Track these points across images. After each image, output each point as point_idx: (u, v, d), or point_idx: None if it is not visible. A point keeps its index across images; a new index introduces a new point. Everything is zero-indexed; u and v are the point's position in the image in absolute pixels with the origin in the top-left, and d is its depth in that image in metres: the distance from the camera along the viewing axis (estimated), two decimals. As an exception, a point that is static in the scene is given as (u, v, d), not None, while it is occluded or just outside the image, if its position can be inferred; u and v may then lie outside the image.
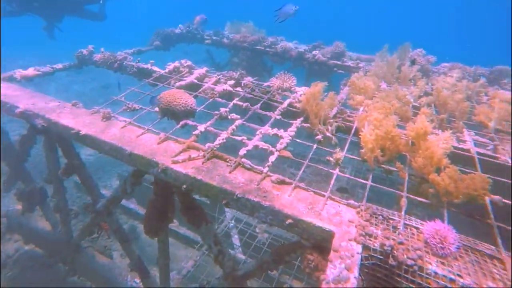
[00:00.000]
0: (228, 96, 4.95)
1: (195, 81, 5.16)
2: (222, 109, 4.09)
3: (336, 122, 4.03)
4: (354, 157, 3.51)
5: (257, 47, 8.48)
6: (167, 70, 5.58)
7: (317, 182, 7.01)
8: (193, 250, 6.54)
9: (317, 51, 7.82)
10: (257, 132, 3.76)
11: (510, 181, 3.09)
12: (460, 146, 3.67)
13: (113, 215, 4.68)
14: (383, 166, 3.32)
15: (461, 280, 2.01)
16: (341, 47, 7.87)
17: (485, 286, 1.95)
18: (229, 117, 4.10)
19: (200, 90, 4.91)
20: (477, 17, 35.62)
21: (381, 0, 38.42)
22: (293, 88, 5.23)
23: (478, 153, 3.53)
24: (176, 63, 5.69)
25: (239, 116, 4.10)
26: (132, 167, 3.76)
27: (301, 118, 4.16)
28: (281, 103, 4.61)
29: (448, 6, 35.84)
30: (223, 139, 3.59)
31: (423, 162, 2.94)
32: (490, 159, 3.41)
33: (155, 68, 5.83)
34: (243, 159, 3.35)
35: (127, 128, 3.87)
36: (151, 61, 5.91)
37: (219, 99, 4.62)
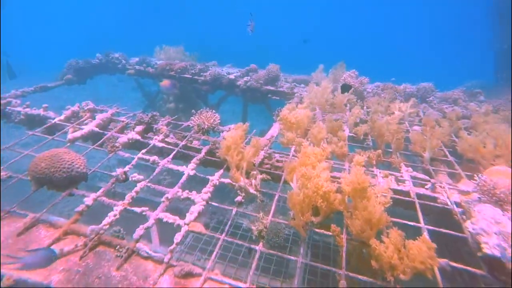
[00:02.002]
0: (139, 144, 4.09)
1: (96, 129, 4.21)
2: (119, 171, 3.21)
3: (262, 174, 3.38)
4: (282, 221, 2.87)
5: (185, 75, 7.73)
6: (63, 117, 4.54)
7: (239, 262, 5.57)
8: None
9: (249, 77, 7.31)
10: (163, 198, 2.96)
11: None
12: (399, 188, 3.24)
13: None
14: (317, 230, 2.73)
15: None
16: (275, 70, 7.46)
17: None
18: (130, 179, 3.23)
19: (100, 141, 3.99)
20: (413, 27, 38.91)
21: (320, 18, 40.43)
22: (216, 128, 4.55)
23: (418, 196, 3.11)
24: (75, 107, 4.68)
25: (142, 177, 3.26)
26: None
27: (221, 172, 3.45)
28: (199, 150, 3.87)
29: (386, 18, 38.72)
30: (114, 216, 2.72)
31: (362, 226, 2.38)
32: (431, 203, 3.00)
33: (50, 114, 4.74)
34: (139, 244, 2.52)
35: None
36: (44, 105, 4.81)
37: (121, 153, 3.73)
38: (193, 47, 10.80)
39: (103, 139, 4.01)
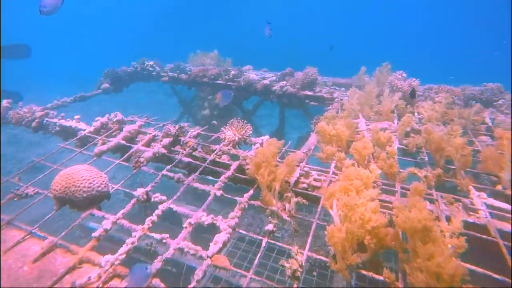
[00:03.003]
0: (166, 159, 3.86)
1: (122, 142, 4.05)
2: (140, 190, 2.96)
3: (297, 196, 2.93)
4: (320, 257, 2.38)
5: (218, 81, 7.51)
6: (93, 129, 4.48)
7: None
8: None
9: (285, 82, 6.86)
10: (185, 224, 2.63)
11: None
12: (471, 221, 2.59)
13: None
14: (363, 271, 2.22)
15: None
16: (313, 73, 6.94)
17: None
18: (153, 199, 2.97)
19: (126, 155, 3.81)
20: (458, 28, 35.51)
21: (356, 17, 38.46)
22: (248, 140, 4.18)
23: (501, 233, 2.44)
24: (105, 118, 4.61)
25: (165, 197, 2.97)
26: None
27: (250, 193, 3.05)
28: (228, 166, 3.52)
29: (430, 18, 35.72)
30: (132, 244, 2.45)
31: (427, 282, 1.83)
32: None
33: (82, 125, 4.72)
34: (155, 281, 2.20)
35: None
36: (77, 116, 4.81)
37: (146, 169, 3.50)
38: (228, 52, 10.62)
39: (128, 153, 3.83)
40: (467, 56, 30.98)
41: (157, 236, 2.51)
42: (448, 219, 2.59)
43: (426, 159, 3.66)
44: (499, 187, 3.17)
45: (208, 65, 9.83)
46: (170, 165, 3.53)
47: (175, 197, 3.00)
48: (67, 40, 38.32)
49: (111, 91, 8.15)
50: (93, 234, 2.55)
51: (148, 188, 3.05)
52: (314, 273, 4.56)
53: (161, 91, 19.76)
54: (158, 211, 2.79)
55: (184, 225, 2.60)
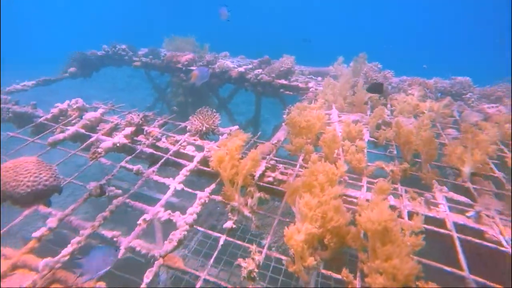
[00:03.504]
0: (129, 149, 3.63)
1: (81, 130, 3.78)
2: (92, 184, 2.75)
3: (261, 191, 2.81)
4: (280, 256, 2.30)
5: (192, 67, 7.21)
6: (50, 116, 4.15)
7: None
8: None
9: (261, 70, 6.67)
10: (139, 221, 2.46)
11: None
12: (431, 215, 2.57)
13: None
14: (322, 271, 2.15)
15: None
16: (289, 62, 6.77)
17: None
18: (107, 193, 2.77)
19: (83, 145, 3.56)
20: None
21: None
22: (216, 130, 4.01)
23: (457, 228, 2.44)
24: (64, 105, 4.28)
25: (120, 191, 2.78)
26: None
27: (212, 186, 2.91)
28: (193, 158, 3.35)
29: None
30: (78, 244, 2.26)
31: (384, 283, 1.77)
32: (475, 240, 2.32)
33: (39, 112, 4.38)
34: (99, 284, 2.05)
35: None
36: (32, 102, 4.45)
37: (104, 160, 3.27)
38: (206, 38, 10.24)
39: (86, 142, 3.58)
40: (455, 48, 31.59)
41: (107, 234, 2.34)
42: (410, 214, 2.57)
43: (395, 152, 3.63)
44: (459, 180, 3.19)
45: (184, 50, 9.45)
46: (130, 156, 3.32)
47: (132, 191, 2.82)
48: (39, 18, 35.98)
49: (79, 76, 7.67)
50: (33, 234, 2.33)
51: (103, 181, 2.84)
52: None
53: (138, 75, 19.01)
54: (111, 206, 2.60)
55: (138, 222, 2.43)
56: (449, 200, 2.75)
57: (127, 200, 2.67)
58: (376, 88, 3.37)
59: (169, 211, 2.58)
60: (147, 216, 2.47)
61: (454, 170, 3.37)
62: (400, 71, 6.90)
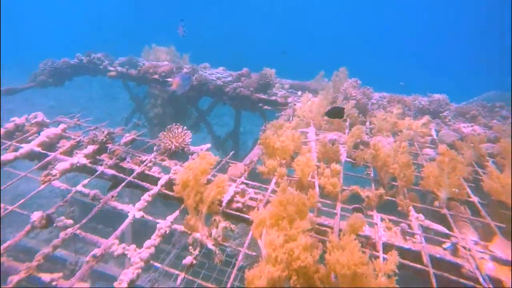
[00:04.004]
0: (88, 171, 3.34)
1: (37, 149, 3.47)
2: (36, 214, 2.45)
3: (228, 218, 2.60)
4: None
5: (169, 79, 6.98)
6: (3, 132, 3.81)
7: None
8: None
9: (239, 83, 6.52)
10: (88, 257, 2.19)
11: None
12: (407, 247, 2.43)
13: None
14: (289, 316, 1.94)
15: None
16: (269, 76, 6.66)
17: None
18: (55, 224, 2.48)
19: (37, 166, 3.25)
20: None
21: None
22: (186, 149, 3.78)
23: (434, 261, 2.30)
24: (22, 119, 3.95)
25: (71, 221, 2.50)
26: None
27: (175, 214, 2.68)
28: (157, 181, 3.11)
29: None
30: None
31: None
32: (452, 277, 2.18)
33: (-6, 126, 4.02)
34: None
35: None
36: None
37: (57, 184, 2.97)
38: (187, 47, 10.06)
39: (41, 162, 3.27)
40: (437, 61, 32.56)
41: (46, 278, 2.04)
42: (385, 246, 2.42)
43: (372, 175, 3.51)
44: (436, 204, 3.09)
45: (163, 60, 9.20)
46: (88, 179, 3.04)
47: (84, 221, 2.54)
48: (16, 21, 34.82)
49: (49, 84, 7.30)
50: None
51: (51, 210, 2.55)
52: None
53: (118, 84, 18.55)
54: (56, 241, 2.31)
55: (87, 259, 2.16)
56: (425, 229, 2.63)
57: (78, 231, 2.39)
58: (336, 113, 3.22)
59: (123, 245, 2.32)
60: (97, 251, 2.20)
61: (431, 195, 3.27)
62: (382, 86, 6.92)
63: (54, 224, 2.42)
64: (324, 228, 2.65)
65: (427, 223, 2.68)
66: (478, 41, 34.52)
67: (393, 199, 3.09)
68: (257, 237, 2.20)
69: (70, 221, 2.45)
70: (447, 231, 2.60)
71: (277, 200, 2.28)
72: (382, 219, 2.71)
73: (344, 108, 3.22)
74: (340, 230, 2.54)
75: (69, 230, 2.36)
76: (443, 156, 3.21)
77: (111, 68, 7.77)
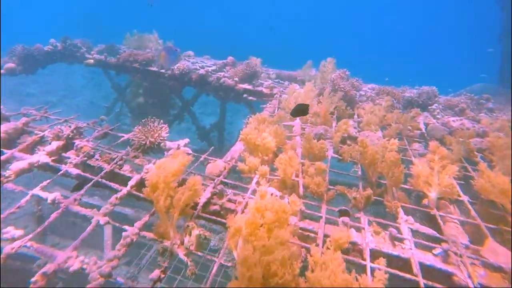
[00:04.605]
0: (52, 170, 3.04)
1: (-8, 146, 3.13)
2: (-17, 224, 2.16)
3: (199, 226, 2.36)
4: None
5: (150, 68, 6.59)
6: (-44, 126, 3.43)
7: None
8: None
9: (223, 73, 6.21)
10: (34, 278, 1.92)
11: None
12: (395, 254, 2.26)
13: None
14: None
15: None
16: (255, 65, 6.36)
17: None
18: (2, 236, 2.19)
19: (-9, 165, 2.92)
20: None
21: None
22: (162, 145, 3.50)
23: (424, 270, 2.14)
24: (-22, 112, 3.57)
25: (20, 232, 2.21)
26: None
27: (144, 220, 2.43)
28: (128, 180, 2.84)
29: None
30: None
31: None
32: (442, 286, 2.02)
33: None
34: None
35: None
36: None
37: (11, 186, 2.67)
38: (171, 35, 9.59)
39: (-3, 161, 2.94)
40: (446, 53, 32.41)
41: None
42: (373, 253, 2.24)
43: (359, 172, 3.33)
44: (425, 202, 2.94)
45: (145, 48, 8.75)
46: (48, 181, 2.74)
47: (39, 230, 2.26)
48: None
49: (19, 72, 6.80)
50: None
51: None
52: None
53: (100, 72, 17.80)
54: (7, 249, 2.04)
55: (33, 279, 1.89)
56: (414, 233, 2.46)
57: (29, 244, 2.12)
58: (301, 110, 2.96)
59: (81, 257, 2.06)
60: (49, 268, 1.94)
61: (420, 193, 3.11)
62: (370, 78, 6.72)
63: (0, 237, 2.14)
64: (308, 233, 2.46)
65: (417, 226, 2.52)
66: (469, 33, 34.60)
67: (381, 199, 2.92)
68: (233, 247, 2.00)
69: (19, 232, 2.17)
70: (438, 235, 2.45)
71: (254, 207, 2.06)
72: (370, 222, 2.53)
73: (308, 105, 2.98)
74: (325, 237, 2.35)
75: (17, 243, 2.07)
76: (433, 154, 3.06)
77: (89, 56, 7.30)
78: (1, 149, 3.12)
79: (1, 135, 3.22)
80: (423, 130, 4.50)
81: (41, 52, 7.12)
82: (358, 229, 2.49)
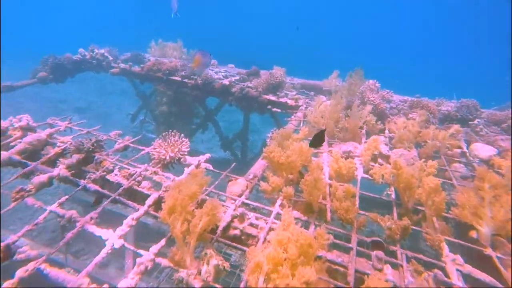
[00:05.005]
0: (72, 183, 2.99)
1: (16, 157, 3.13)
2: (-3, 243, 2.10)
3: (218, 255, 2.17)
4: None
5: (173, 77, 6.59)
6: (-15, 136, 3.50)
7: None
8: None
9: (248, 83, 6.07)
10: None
11: None
12: (441, 302, 1.96)
13: None
14: None
15: None
16: (279, 75, 6.17)
17: None
18: (16, 257, 2.12)
19: (12, 178, 2.91)
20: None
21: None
22: (183, 160, 3.38)
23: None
24: (6, 123, 3.63)
25: (34, 252, 2.13)
26: None
27: (161, 243, 2.28)
28: (145, 198, 2.72)
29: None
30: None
31: None
32: None
33: (-22, 128, 3.71)
34: None
35: None
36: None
37: (31, 201, 2.62)
38: (196, 43, 9.64)
39: (22, 171, 2.93)
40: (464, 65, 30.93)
41: None
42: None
43: (393, 196, 3.02)
44: (472, 234, 2.59)
45: (170, 56, 8.85)
46: (65, 197, 2.67)
47: (54, 251, 2.17)
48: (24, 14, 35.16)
49: (50, 81, 7.04)
50: None
51: (12, 239, 2.19)
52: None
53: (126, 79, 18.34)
54: (20, 273, 1.95)
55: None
56: (465, 277, 2.13)
57: (42, 266, 2.02)
58: (319, 139, 2.71)
59: (93, 286, 1.93)
60: (59, 296, 1.83)
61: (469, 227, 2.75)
62: (403, 89, 6.34)
63: (14, 258, 2.06)
64: (336, 267, 2.20)
65: (468, 269, 2.18)
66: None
67: (418, 228, 2.61)
68: (253, 285, 1.78)
69: (33, 253, 2.09)
70: (500, 285, 2.09)
71: (276, 239, 1.85)
72: (408, 259, 2.24)
73: (324, 129, 2.77)
74: (356, 272, 2.09)
75: (31, 265, 1.98)
76: (481, 180, 2.70)
77: (114, 65, 7.43)
78: (26, 161, 3.12)
79: (26, 146, 3.23)
80: (464, 149, 4.10)
81: (70, 61, 7.34)
82: (394, 265, 2.21)
